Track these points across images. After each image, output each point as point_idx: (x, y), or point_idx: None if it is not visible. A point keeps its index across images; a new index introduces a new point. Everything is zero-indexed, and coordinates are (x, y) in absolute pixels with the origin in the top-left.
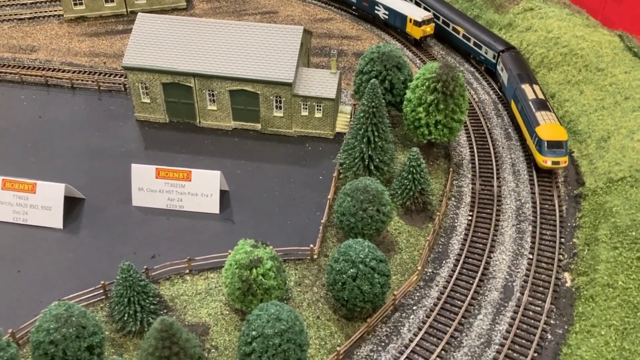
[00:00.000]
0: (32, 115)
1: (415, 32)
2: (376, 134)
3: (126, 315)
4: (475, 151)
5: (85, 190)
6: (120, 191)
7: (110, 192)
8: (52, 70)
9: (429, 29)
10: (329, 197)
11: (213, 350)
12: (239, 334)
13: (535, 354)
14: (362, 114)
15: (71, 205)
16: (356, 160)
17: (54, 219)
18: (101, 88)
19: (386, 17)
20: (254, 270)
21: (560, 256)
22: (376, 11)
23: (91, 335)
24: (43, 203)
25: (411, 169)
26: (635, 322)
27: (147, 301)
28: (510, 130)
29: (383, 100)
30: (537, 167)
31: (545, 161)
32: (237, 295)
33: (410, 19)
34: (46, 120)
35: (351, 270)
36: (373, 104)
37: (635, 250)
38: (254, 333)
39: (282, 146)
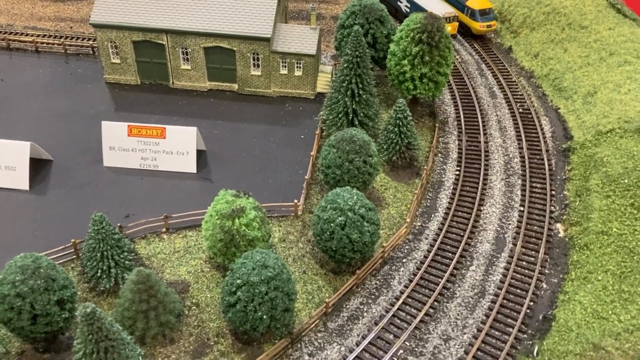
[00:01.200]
0: None
1: None
2: (360, 86)
3: (99, 271)
4: (461, 108)
5: (52, 152)
6: (90, 152)
7: (79, 153)
8: (15, 34)
9: (450, 27)
10: (312, 153)
11: (194, 307)
12: (222, 284)
13: (532, 303)
14: (345, 65)
15: (38, 167)
16: (340, 115)
17: (19, 179)
18: (68, 52)
19: (407, 10)
20: (237, 220)
21: (552, 208)
22: (399, 2)
23: (61, 289)
24: (7, 163)
25: (397, 121)
26: (633, 265)
27: (121, 256)
28: (495, 89)
29: (367, 51)
30: (473, 35)
31: (482, 26)
32: (218, 248)
33: None
34: (9, 84)
35: (340, 218)
36: (357, 52)
37: (628, 197)
38: (238, 281)
39: (260, 106)
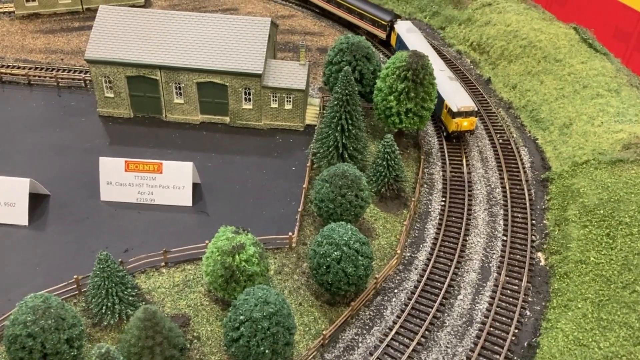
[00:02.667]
0: None
1: (448, 123)
2: (350, 122)
3: (104, 307)
4: (444, 140)
5: (49, 186)
6: (87, 186)
7: (76, 188)
8: (7, 67)
9: (466, 123)
10: (304, 185)
11: (195, 340)
12: (225, 320)
13: (517, 330)
14: (335, 102)
15: (36, 202)
16: (330, 149)
17: (19, 215)
18: (60, 84)
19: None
20: (237, 256)
21: (533, 237)
22: None
23: (70, 327)
24: (6, 199)
25: (385, 155)
26: (609, 294)
27: (125, 292)
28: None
29: (356, 88)
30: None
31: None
32: (219, 283)
33: (447, 106)
34: (2, 118)
35: (335, 252)
36: (347, 91)
37: (604, 227)
38: (241, 317)
39: (252, 139)
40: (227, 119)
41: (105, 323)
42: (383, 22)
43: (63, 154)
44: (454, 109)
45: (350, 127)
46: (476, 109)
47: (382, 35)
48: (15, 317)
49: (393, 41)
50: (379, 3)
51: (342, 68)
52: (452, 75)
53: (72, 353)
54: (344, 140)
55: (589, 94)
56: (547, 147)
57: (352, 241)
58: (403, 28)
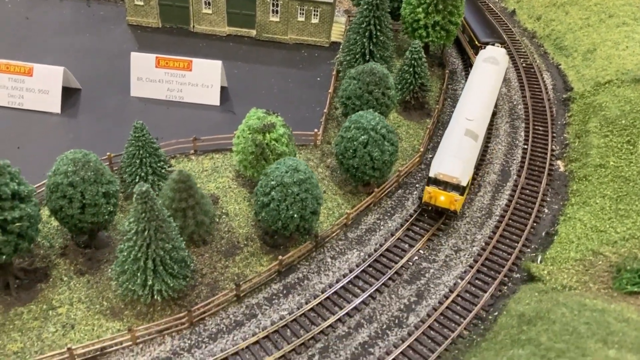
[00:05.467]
0: (18, 16)
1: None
2: (378, 27)
3: (137, 177)
4: (468, 61)
5: (80, 82)
6: (117, 84)
7: (106, 84)
8: None
9: (443, 197)
10: (329, 91)
11: (224, 216)
12: (256, 188)
13: (535, 224)
14: (365, 7)
15: (67, 94)
16: (357, 56)
17: (52, 103)
18: None
19: None
20: (267, 134)
21: (553, 147)
22: None
23: (108, 183)
24: (40, 87)
25: (412, 61)
26: (628, 189)
27: (158, 165)
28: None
29: None
30: None
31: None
32: (249, 160)
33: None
34: (34, 23)
35: (363, 137)
36: None
37: (625, 136)
38: (272, 182)
39: (277, 52)
40: (253, 32)
41: None
42: (476, 43)
43: (93, 56)
44: (430, 173)
45: (378, 34)
46: (464, 184)
47: (473, 58)
48: (57, 167)
49: None
50: None
51: None
52: (477, 132)
53: (109, 208)
54: (371, 47)
55: (614, 22)
56: (569, 71)
57: (380, 126)
58: (486, 55)
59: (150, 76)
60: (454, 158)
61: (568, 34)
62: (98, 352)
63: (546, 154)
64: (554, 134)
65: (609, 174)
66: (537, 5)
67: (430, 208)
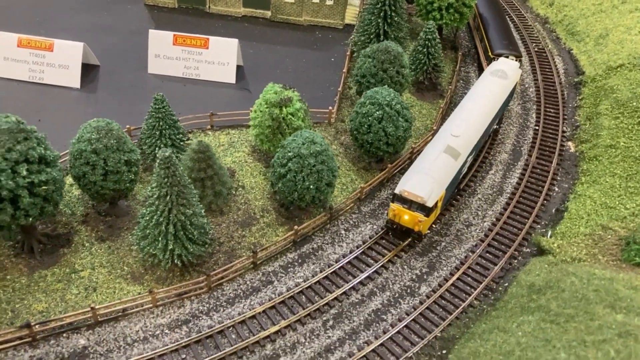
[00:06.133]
0: None
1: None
2: (393, 8)
3: (157, 148)
4: (479, 44)
5: (98, 60)
6: (134, 61)
7: (124, 61)
8: None
9: (407, 217)
10: (344, 70)
11: (240, 188)
12: (273, 160)
13: (545, 201)
14: None
15: (86, 70)
16: (372, 37)
17: (72, 78)
18: None
19: None
20: (284, 109)
21: (564, 129)
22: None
23: (129, 152)
24: (60, 61)
25: (426, 42)
26: (638, 168)
27: (177, 137)
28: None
29: None
30: None
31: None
32: (266, 134)
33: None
34: (53, 0)
35: (377, 112)
36: None
37: (636, 117)
38: (290, 154)
39: (292, 33)
40: (268, 13)
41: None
42: (490, 54)
43: (110, 34)
44: (396, 189)
45: (392, 14)
46: (429, 205)
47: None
48: (80, 135)
49: None
50: None
51: None
52: (459, 150)
53: (130, 176)
54: (385, 28)
55: (627, 8)
56: (581, 56)
57: (394, 102)
58: (495, 67)
59: (168, 53)
60: (424, 175)
61: (580, 19)
62: (120, 313)
63: (557, 135)
64: (565, 116)
65: (619, 154)
66: None
67: (394, 227)
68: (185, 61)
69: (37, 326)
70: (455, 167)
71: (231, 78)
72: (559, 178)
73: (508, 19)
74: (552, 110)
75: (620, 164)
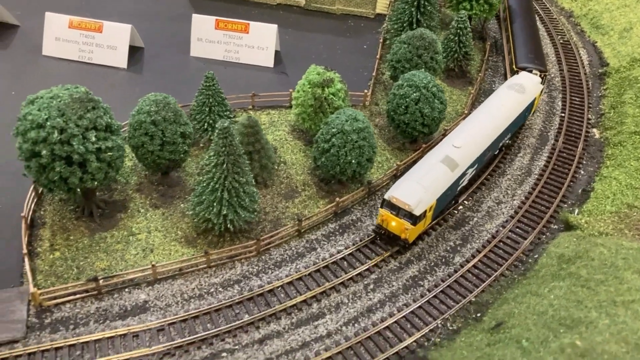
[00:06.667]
0: None
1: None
2: None
3: (206, 124)
4: (510, 33)
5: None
6: (177, 45)
7: (167, 45)
8: None
9: (394, 223)
10: (377, 57)
11: (282, 164)
12: (317, 136)
13: (571, 183)
14: None
15: (132, 51)
16: (404, 25)
17: (119, 58)
18: None
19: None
20: (326, 89)
21: (589, 116)
22: None
23: (184, 124)
24: (109, 42)
25: (458, 31)
26: None
27: (224, 114)
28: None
29: None
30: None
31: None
32: (308, 113)
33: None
34: None
35: (415, 94)
36: None
37: None
38: (334, 130)
39: (325, 21)
40: (302, 2)
41: (205, 140)
42: (514, 67)
43: (151, 19)
44: (386, 194)
45: (425, 3)
46: (417, 213)
47: None
48: (140, 107)
49: None
50: None
51: None
52: (458, 161)
53: (184, 147)
54: (418, 16)
55: None
56: (605, 48)
57: (431, 85)
58: (514, 80)
59: (210, 37)
60: (415, 184)
61: (605, 13)
62: (177, 272)
63: (582, 121)
64: (590, 105)
65: None
66: None
67: (382, 232)
68: (226, 45)
69: (102, 281)
70: (451, 178)
71: (269, 62)
72: (584, 162)
73: (539, 23)
74: (577, 99)
75: None
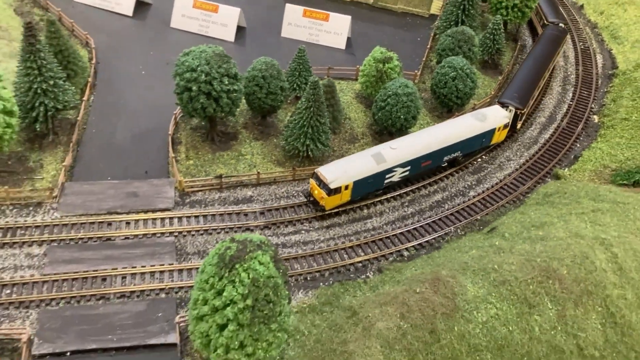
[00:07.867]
0: None
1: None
2: (471, 3)
3: (295, 84)
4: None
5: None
6: (270, 27)
7: (263, 27)
8: None
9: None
10: (427, 46)
11: (347, 119)
12: (376, 98)
13: (568, 151)
14: None
15: (237, 30)
16: (451, 23)
17: (229, 33)
18: None
19: None
20: (386, 64)
21: (592, 106)
22: None
23: (283, 81)
24: (222, 21)
25: (493, 31)
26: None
27: (309, 78)
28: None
29: None
30: None
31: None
32: (370, 82)
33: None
34: None
35: (452, 73)
36: None
37: None
38: (389, 92)
39: (387, 17)
40: (370, 0)
41: (291, 96)
42: (497, 100)
43: (254, 6)
44: (315, 169)
45: (469, 8)
46: (331, 187)
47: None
48: (254, 66)
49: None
50: None
51: None
52: (386, 159)
53: (281, 98)
54: (463, 18)
55: None
56: (619, 55)
57: (465, 67)
58: (481, 110)
59: (298, 22)
60: (339, 166)
61: (623, 27)
62: (272, 180)
63: (586, 109)
64: (595, 97)
65: (630, 125)
66: (602, 2)
67: (310, 197)
68: (310, 29)
69: (224, 178)
70: (374, 169)
71: (342, 45)
72: (581, 138)
73: (553, 64)
74: (585, 92)
75: (629, 130)
